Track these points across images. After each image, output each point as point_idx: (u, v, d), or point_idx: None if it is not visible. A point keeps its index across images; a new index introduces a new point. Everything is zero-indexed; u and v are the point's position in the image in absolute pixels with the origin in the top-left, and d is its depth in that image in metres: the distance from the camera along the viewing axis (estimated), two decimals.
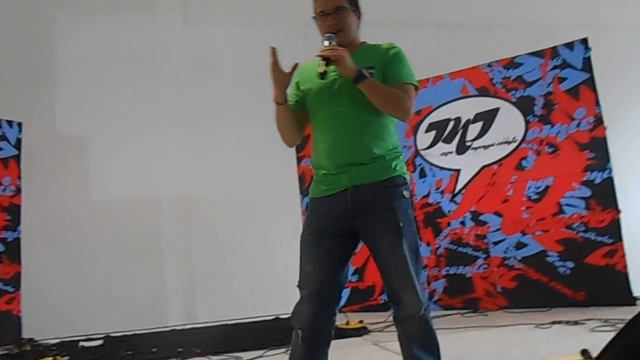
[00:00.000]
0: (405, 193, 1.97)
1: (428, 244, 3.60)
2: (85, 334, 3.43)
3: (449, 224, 3.60)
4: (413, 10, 4.15)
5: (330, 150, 1.98)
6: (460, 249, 3.61)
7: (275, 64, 1.99)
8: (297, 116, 2.04)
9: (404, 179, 1.99)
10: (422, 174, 3.67)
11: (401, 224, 1.91)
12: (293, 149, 3.69)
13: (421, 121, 3.68)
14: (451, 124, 3.66)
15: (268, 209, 3.82)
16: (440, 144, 3.64)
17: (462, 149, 3.64)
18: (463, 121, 3.64)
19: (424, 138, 3.68)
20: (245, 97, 3.83)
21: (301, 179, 3.68)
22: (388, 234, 1.92)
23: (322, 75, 1.92)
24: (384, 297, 3.48)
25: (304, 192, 3.68)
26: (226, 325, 3.56)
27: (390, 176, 1.97)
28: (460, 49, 3.99)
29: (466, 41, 4.10)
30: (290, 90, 2.06)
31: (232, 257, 3.79)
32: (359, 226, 1.94)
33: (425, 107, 3.67)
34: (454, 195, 3.62)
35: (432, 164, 3.66)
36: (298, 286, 1.95)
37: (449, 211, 3.62)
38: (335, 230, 1.93)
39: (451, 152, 3.63)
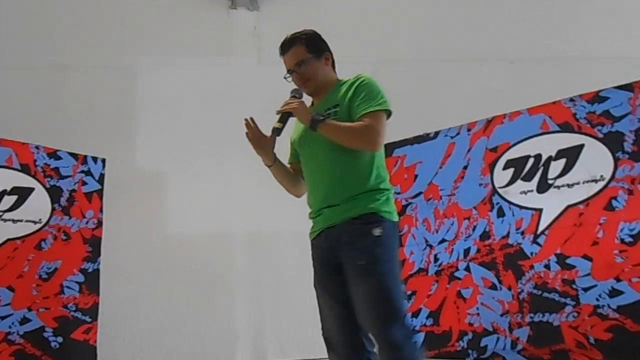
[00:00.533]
0: (376, 231, 1.90)
1: (509, 288, 3.34)
2: None
3: (532, 267, 3.32)
4: (485, 45, 4.08)
5: (310, 194, 2.10)
6: (545, 294, 3.31)
7: (251, 134, 2.15)
8: (298, 168, 2.20)
9: (380, 216, 1.93)
10: (501, 213, 3.43)
11: (362, 263, 1.87)
12: None
13: (498, 158, 3.47)
14: (531, 161, 3.43)
15: None
16: (519, 181, 3.41)
17: (543, 187, 3.40)
18: (544, 158, 3.39)
19: (501, 175, 3.44)
20: None
21: None
22: (352, 273, 1.90)
23: (275, 131, 2.07)
24: (462, 343, 3.27)
25: None
26: None
27: (361, 213, 1.94)
28: (537, 84, 3.83)
29: (543, 75, 3.94)
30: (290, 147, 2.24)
31: (301, 295, 3.63)
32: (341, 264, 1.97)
33: (502, 144, 3.45)
34: (537, 237, 3.36)
35: (511, 203, 3.41)
36: (322, 335, 2.01)
37: (532, 253, 3.32)
38: (330, 271, 1.99)
39: (531, 191, 3.38)
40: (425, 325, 3.42)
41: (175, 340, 3.58)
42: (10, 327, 3.19)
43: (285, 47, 2.20)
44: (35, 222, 3.30)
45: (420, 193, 3.45)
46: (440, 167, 3.42)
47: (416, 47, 3.96)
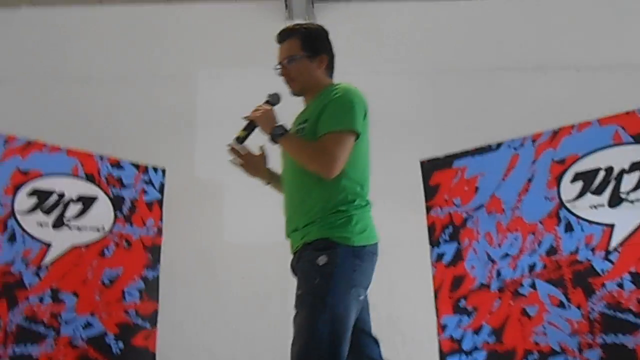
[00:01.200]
0: (320, 259, 1.75)
1: (578, 307, 3.15)
2: None
3: (603, 285, 3.13)
4: (548, 52, 3.88)
5: (285, 211, 2.02)
6: (619, 314, 3.11)
7: (237, 160, 1.99)
8: None
9: (332, 241, 1.76)
10: (569, 228, 3.23)
11: (299, 292, 1.80)
12: (421, 198, 3.53)
13: (565, 170, 3.28)
14: (602, 173, 3.21)
15: (394, 259, 3.54)
16: (588, 195, 3.21)
17: (615, 201, 3.18)
18: (616, 171, 3.19)
19: (569, 189, 3.24)
20: (373, 145, 3.77)
21: (430, 228, 3.46)
22: (295, 302, 1.85)
23: (236, 140, 1.93)
24: None
25: (433, 242, 3.46)
26: None
27: (313, 239, 1.81)
28: (606, 93, 3.62)
29: (613, 84, 3.71)
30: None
31: None
32: None
33: (570, 156, 3.26)
34: (609, 253, 3.16)
35: (580, 218, 3.23)
36: None
37: (603, 270, 3.13)
38: None
39: (602, 205, 3.18)
40: (487, 342, 3.27)
41: (231, 349, 3.55)
42: (74, 331, 3.25)
43: (282, 36, 2.05)
44: (98, 230, 3.36)
45: (481, 206, 3.29)
46: (503, 180, 3.27)
47: (475, 56, 3.83)
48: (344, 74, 4.18)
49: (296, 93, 2.06)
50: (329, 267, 1.75)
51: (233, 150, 2.03)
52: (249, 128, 1.98)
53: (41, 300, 3.22)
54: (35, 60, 4.10)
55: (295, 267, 1.94)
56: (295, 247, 1.96)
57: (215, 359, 3.57)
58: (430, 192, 3.47)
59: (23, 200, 3.25)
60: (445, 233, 3.43)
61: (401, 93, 3.83)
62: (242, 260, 3.71)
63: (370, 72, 3.92)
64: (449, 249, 3.42)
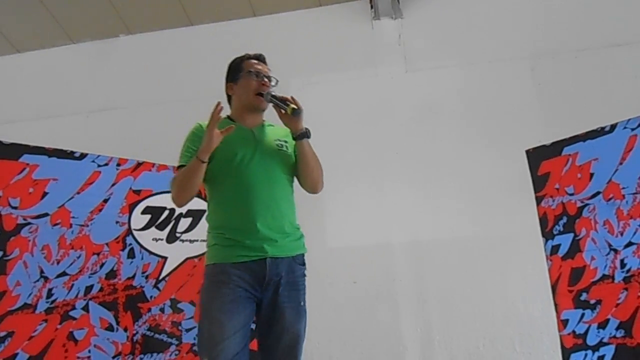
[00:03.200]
0: (305, 272, 1.92)
1: None
2: None
3: None
4: None
5: (255, 216, 1.84)
6: None
7: (217, 119, 1.84)
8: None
9: (304, 256, 1.93)
10: None
11: (302, 303, 1.86)
12: (530, 189, 3.29)
13: None
14: None
15: (506, 253, 3.41)
16: None
17: None
18: None
19: None
20: (474, 137, 3.59)
21: (542, 220, 3.21)
22: (291, 310, 1.84)
23: (296, 111, 1.86)
24: None
25: (547, 234, 3.21)
26: None
27: (302, 253, 1.91)
28: None
29: None
30: (191, 148, 1.91)
31: (468, 305, 3.42)
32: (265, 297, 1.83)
33: None
34: None
35: None
36: None
37: None
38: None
39: None
40: (615, 337, 2.99)
41: (343, 352, 3.47)
42: (194, 339, 3.30)
43: (264, 59, 2.11)
44: None
45: (598, 193, 3.00)
46: (621, 163, 2.96)
47: (579, 35, 3.51)
48: (440, 68, 4.06)
49: (261, 110, 2.04)
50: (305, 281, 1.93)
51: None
52: (294, 110, 1.92)
53: (162, 310, 3.28)
54: (133, 87, 4.23)
55: (282, 275, 1.86)
56: (274, 252, 1.85)
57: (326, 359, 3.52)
58: (540, 182, 3.21)
59: (138, 218, 3.32)
60: (559, 224, 3.16)
61: (500, 81, 3.60)
62: (347, 264, 3.61)
63: (465, 64, 3.75)
64: (565, 241, 3.15)
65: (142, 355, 3.21)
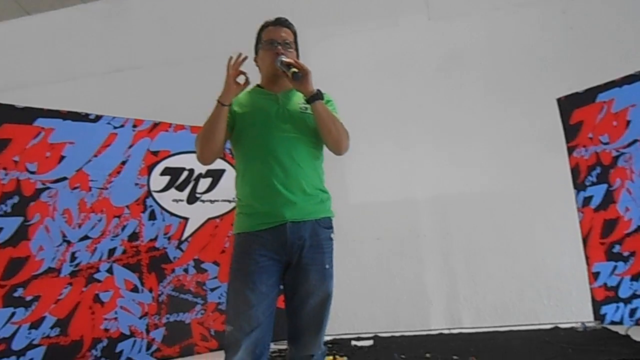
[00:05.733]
0: (332, 236, 1.82)
1: None
2: (353, 332, 3.29)
3: None
4: None
5: (273, 179, 1.74)
6: None
7: (238, 65, 1.74)
8: (225, 133, 1.80)
9: (331, 220, 1.84)
10: None
11: (327, 266, 1.77)
12: (560, 139, 3.05)
13: None
14: None
15: (534, 206, 3.19)
16: None
17: None
18: None
19: None
20: (501, 87, 3.29)
21: (574, 171, 3.00)
22: (315, 273, 1.75)
23: (296, 74, 1.74)
24: None
25: (578, 186, 3.00)
26: (497, 332, 3.05)
27: (327, 216, 1.81)
28: None
29: None
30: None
31: (496, 259, 3.25)
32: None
33: None
34: None
35: None
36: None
37: None
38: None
39: None
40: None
41: (369, 308, 3.36)
42: (219, 297, 3.22)
43: (283, 22, 1.92)
44: (229, 201, 3.26)
45: (635, 141, 2.78)
46: None
47: None
48: (465, 15, 3.70)
49: (276, 76, 1.87)
50: (332, 244, 1.83)
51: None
52: (295, 73, 1.77)
53: (186, 271, 3.20)
54: (147, 47, 3.99)
55: (306, 238, 1.75)
56: (294, 216, 1.74)
57: (354, 318, 3.38)
58: (572, 131, 3.00)
59: (157, 180, 3.18)
60: (592, 175, 2.96)
61: (529, 27, 3.29)
62: (371, 220, 3.43)
63: (491, 10, 3.41)
64: (598, 192, 2.96)
65: (168, 315, 3.16)
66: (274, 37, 1.88)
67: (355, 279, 3.38)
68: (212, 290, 3.20)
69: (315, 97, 1.76)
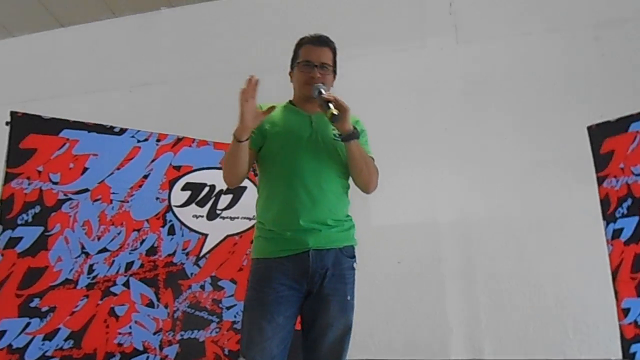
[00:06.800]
0: (354, 265, 1.77)
1: None
2: (370, 357, 3.18)
3: None
4: None
5: (297, 206, 1.67)
6: None
7: (250, 93, 1.62)
8: (251, 156, 1.74)
9: (354, 249, 1.78)
10: None
11: (348, 298, 1.71)
12: (589, 168, 2.93)
13: None
14: None
15: (560, 236, 3.08)
16: None
17: None
18: None
19: None
20: (529, 113, 3.21)
21: (603, 202, 2.86)
22: (336, 304, 1.68)
23: (335, 117, 1.64)
24: None
25: (608, 217, 2.87)
26: None
27: (349, 244, 1.75)
28: None
29: None
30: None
31: (520, 288, 3.12)
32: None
33: None
34: None
35: None
36: None
37: None
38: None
39: None
40: None
41: (387, 333, 3.24)
42: (235, 316, 3.13)
43: (323, 41, 1.83)
44: (250, 219, 3.18)
45: None
46: None
47: None
48: (493, 39, 3.62)
49: (312, 98, 1.78)
50: (354, 274, 1.77)
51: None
52: (333, 115, 1.67)
53: (202, 287, 3.11)
54: (174, 61, 4.00)
55: (329, 267, 1.68)
56: (317, 244, 1.67)
57: (372, 343, 3.26)
58: (602, 160, 2.86)
59: (178, 195, 3.13)
60: (622, 206, 2.81)
61: (559, 52, 3.20)
62: (392, 243, 3.33)
63: (521, 35, 3.34)
64: (629, 224, 2.80)
65: (182, 332, 3.08)
66: (311, 58, 1.81)
67: (374, 303, 3.27)
68: (228, 308, 3.11)
69: (351, 137, 1.68)
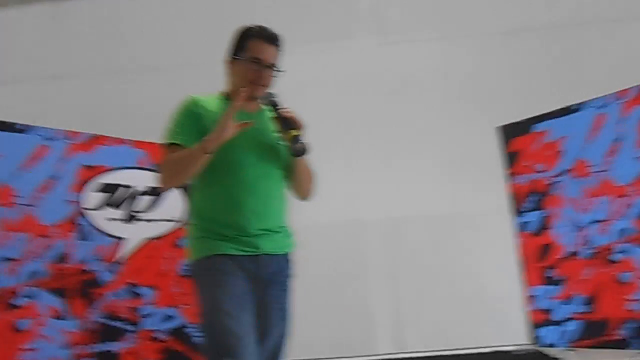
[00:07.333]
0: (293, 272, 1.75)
1: None
2: (294, 358, 3.14)
3: None
4: (630, 2, 3.29)
5: (250, 214, 1.58)
6: None
7: (236, 109, 1.53)
8: None
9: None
10: None
11: (286, 305, 1.68)
12: (500, 167, 3.13)
13: None
14: None
15: (476, 230, 3.22)
16: None
17: None
18: None
19: None
20: (444, 111, 3.34)
21: (512, 197, 3.06)
22: (278, 311, 1.65)
23: (296, 139, 1.57)
24: (624, 331, 2.74)
25: (516, 211, 3.07)
26: (441, 356, 3.05)
27: (291, 251, 1.74)
28: None
29: None
30: (186, 125, 1.60)
31: (439, 283, 3.23)
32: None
33: None
34: None
35: None
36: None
37: None
38: None
39: None
40: (579, 312, 2.90)
41: (313, 331, 3.20)
42: (154, 325, 2.96)
43: (275, 39, 1.73)
44: (170, 221, 3.04)
45: (566, 170, 2.90)
46: (588, 142, 2.86)
47: (550, 12, 3.32)
48: (410, 42, 3.65)
49: (253, 99, 1.68)
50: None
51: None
52: (296, 148, 1.60)
53: (118, 296, 2.93)
54: (90, 53, 3.67)
55: (274, 273, 1.63)
56: (268, 249, 1.61)
57: (297, 342, 3.21)
58: (510, 159, 3.09)
59: (91, 197, 2.94)
60: (528, 201, 3.06)
61: (471, 58, 3.38)
62: (317, 241, 3.22)
63: (439, 39, 3.47)
64: (534, 218, 3.04)
65: (95, 345, 2.87)
66: (263, 56, 1.67)
67: (299, 301, 3.22)
68: (146, 316, 2.94)
69: (305, 152, 1.61)
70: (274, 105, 1.63)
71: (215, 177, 1.59)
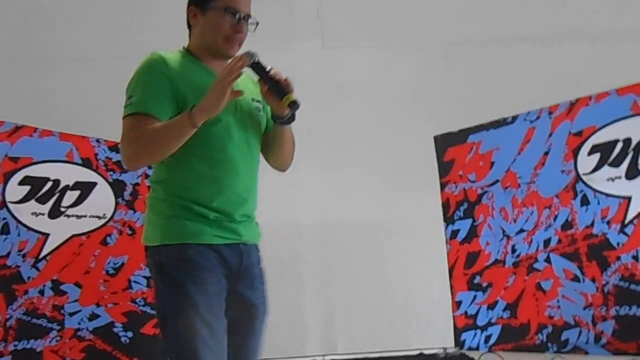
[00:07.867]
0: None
1: (593, 280, 2.89)
2: None
3: (618, 258, 2.87)
4: (563, 21, 3.43)
5: (238, 191, 1.41)
6: (632, 286, 2.88)
7: (237, 77, 1.30)
8: None
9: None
10: (585, 201, 2.91)
11: (265, 297, 1.55)
12: (435, 175, 3.17)
13: (583, 143, 2.93)
14: (619, 145, 2.90)
15: (408, 237, 3.30)
16: (605, 167, 2.90)
17: (633, 173, 2.88)
18: (634, 142, 2.88)
19: (586, 161, 2.89)
20: (383, 119, 3.38)
21: (445, 205, 3.12)
22: (262, 307, 1.53)
23: (295, 105, 1.38)
24: (541, 336, 2.86)
25: (448, 219, 3.14)
26: (368, 358, 3.07)
27: (258, 241, 1.57)
28: (623, 62, 3.21)
29: (630, 53, 3.31)
30: (157, 91, 1.34)
31: (372, 286, 3.29)
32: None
33: (587, 128, 2.89)
34: (624, 226, 2.89)
35: (596, 191, 2.88)
36: None
37: (618, 244, 2.83)
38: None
39: (619, 177, 2.85)
40: (502, 317, 3.01)
41: None
42: (79, 323, 2.84)
43: None
44: (99, 217, 2.91)
45: (497, 181, 2.98)
46: (519, 154, 2.94)
47: (488, 27, 3.40)
48: (353, 48, 3.74)
49: (229, 57, 1.43)
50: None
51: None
52: (291, 105, 1.41)
53: (41, 293, 2.79)
54: (18, 42, 3.47)
55: (252, 264, 1.49)
56: (247, 237, 1.47)
57: None
58: (445, 168, 3.13)
59: (14, 190, 2.76)
60: (459, 209, 3.11)
61: (412, 67, 3.41)
62: None
63: (379, 46, 3.48)
64: (464, 226, 3.11)
65: (16, 342, 2.74)
66: (239, 6, 1.43)
67: None
68: (71, 314, 2.84)
69: (290, 120, 1.43)
70: (261, 67, 1.38)
71: (195, 151, 1.35)
